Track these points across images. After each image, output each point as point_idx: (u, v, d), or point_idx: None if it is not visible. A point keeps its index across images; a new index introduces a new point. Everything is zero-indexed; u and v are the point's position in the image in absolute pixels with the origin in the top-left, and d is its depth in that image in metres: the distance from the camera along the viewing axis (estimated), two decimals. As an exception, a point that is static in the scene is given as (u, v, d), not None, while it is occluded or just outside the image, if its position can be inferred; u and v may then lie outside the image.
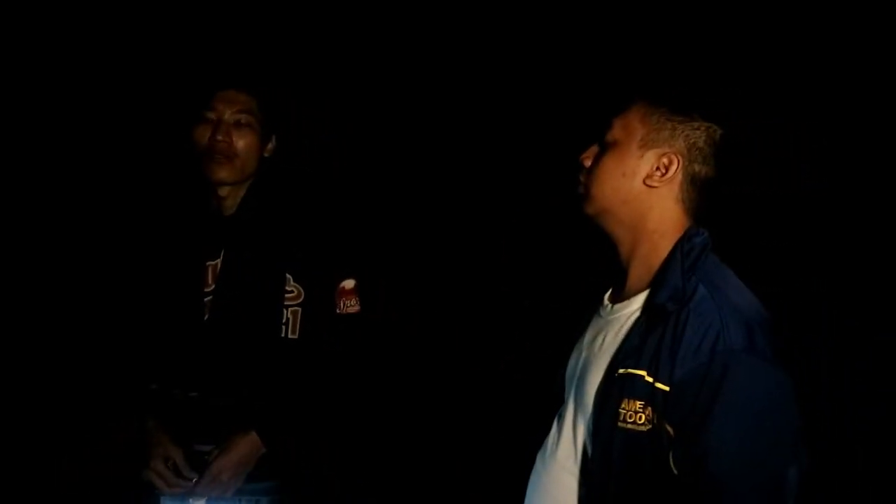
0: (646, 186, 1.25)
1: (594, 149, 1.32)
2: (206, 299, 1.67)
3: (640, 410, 1.14)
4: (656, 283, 1.21)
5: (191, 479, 1.62)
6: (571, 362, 1.34)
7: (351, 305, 1.77)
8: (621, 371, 1.17)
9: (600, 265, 1.37)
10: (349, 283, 1.77)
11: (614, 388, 1.18)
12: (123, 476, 1.73)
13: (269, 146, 1.76)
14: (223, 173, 1.66)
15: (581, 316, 1.39)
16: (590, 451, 1.22)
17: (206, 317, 1.66)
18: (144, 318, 1.71)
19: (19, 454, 2.55)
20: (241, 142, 1.67)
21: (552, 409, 1.37)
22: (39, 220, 2.62)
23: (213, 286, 1.68)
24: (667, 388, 1.12)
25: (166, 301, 1.68)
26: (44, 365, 2.56)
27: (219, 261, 1.70)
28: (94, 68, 2.61)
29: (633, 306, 1.24)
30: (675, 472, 1.11)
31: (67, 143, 2.64)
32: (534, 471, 1.35)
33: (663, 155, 1.24)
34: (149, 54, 2.60)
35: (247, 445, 1.63)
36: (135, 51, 2.61)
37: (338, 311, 1.76)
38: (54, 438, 2.57)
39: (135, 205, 2.05)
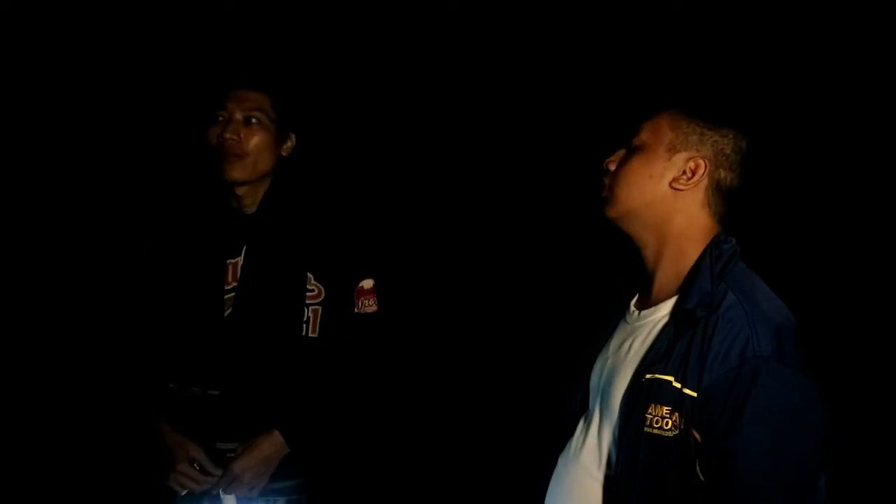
0: (672, 189, 1.26)
1: (620, 153, 1.33)
2: (226, 297, 1.67)
3: (667, 416, 1.14)
4: (685, 289, 1.21)
5: (217, 476, 1.62)
6: (597, 368, 1.34)
7: (369, 305, 1.77)
8: (648, 376, 1.17)
9: (625, 270, 1.37)
10: (368, 283, 1.77)
11: (641, 394, 1.18)
12: (139, 479, 1.73)
13: (287, 145, 1.74)
14: (234, 172, 1.65)
15: (605, 322, 1.39)
16: (615, 456, 1.22)
17: (226, 314, 1.66)
18: (164, 316, 1.70)
19: (32, 456, 2.54)
20: (252, 140, 1.66)
21: (574, 414, 1.36)
22: (59, 220, 2.61)
23: (234, 284, 1.68)
24: (694, 394, 1.12)
25: (187, 298, 1.68)
26: (60, 365, 2.56)
27: (239, 259, 1.69)
28: (115, 69, 2.61)
29: (661, 312, 1.25)
30: (702, 478, 1.11)
31: (85, 142, 2.64)
32: (555, 473, 1.34)
33: (690, 159, 1.25)
34: (167, 55, 2.60)
35: (270, 445, 1.63)
36: (152, 52, 2.61)
37: (356, 310, 1.76)
38: (69, 440, 2.56)
39: (155, 203, 2.04)
